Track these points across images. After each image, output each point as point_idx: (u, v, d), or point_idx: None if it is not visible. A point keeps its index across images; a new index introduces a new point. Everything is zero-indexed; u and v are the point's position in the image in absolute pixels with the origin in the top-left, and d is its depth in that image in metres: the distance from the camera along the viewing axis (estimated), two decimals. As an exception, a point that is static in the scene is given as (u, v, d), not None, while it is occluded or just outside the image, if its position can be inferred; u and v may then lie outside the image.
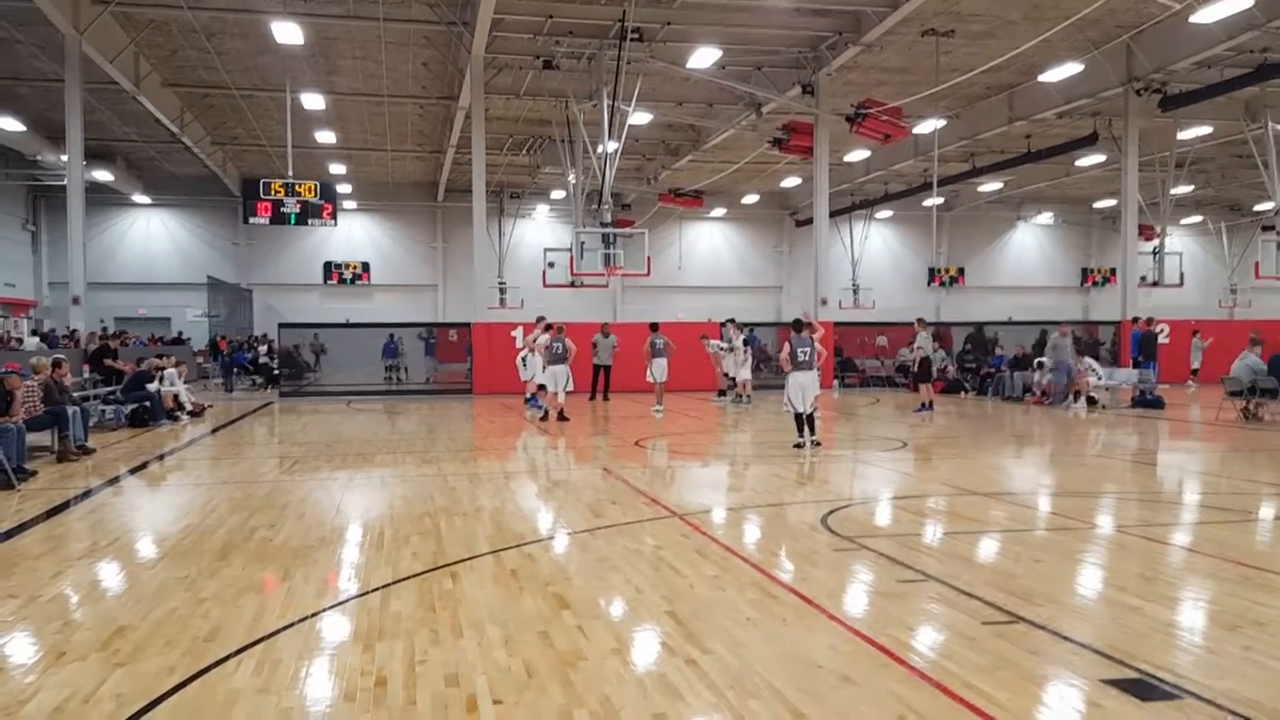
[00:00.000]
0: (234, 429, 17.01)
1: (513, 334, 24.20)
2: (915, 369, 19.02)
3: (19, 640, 5.05)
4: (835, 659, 4.58)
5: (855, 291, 42.46)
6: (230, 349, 30.01)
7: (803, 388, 12.67)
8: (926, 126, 27.61)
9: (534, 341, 19.18)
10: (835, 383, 26.22)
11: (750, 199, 43.56)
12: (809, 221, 34.05)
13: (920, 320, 19.02)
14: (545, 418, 17.16)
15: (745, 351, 20.62)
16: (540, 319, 19.84)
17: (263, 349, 31.70)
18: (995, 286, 45.88)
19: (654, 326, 19.85)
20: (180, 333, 38.00)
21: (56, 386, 12.66)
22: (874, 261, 44.80)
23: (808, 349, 12.80)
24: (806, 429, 12.74)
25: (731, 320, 21.67)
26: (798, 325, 13.38)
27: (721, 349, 21.13)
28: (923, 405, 18.30)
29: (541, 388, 19.75)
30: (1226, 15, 18.65)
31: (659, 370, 19.36)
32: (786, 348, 12.88)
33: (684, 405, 20.39)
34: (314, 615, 5.40)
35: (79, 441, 12.94)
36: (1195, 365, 25.79)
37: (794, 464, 11.62)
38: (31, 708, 4.07)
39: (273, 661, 4.62)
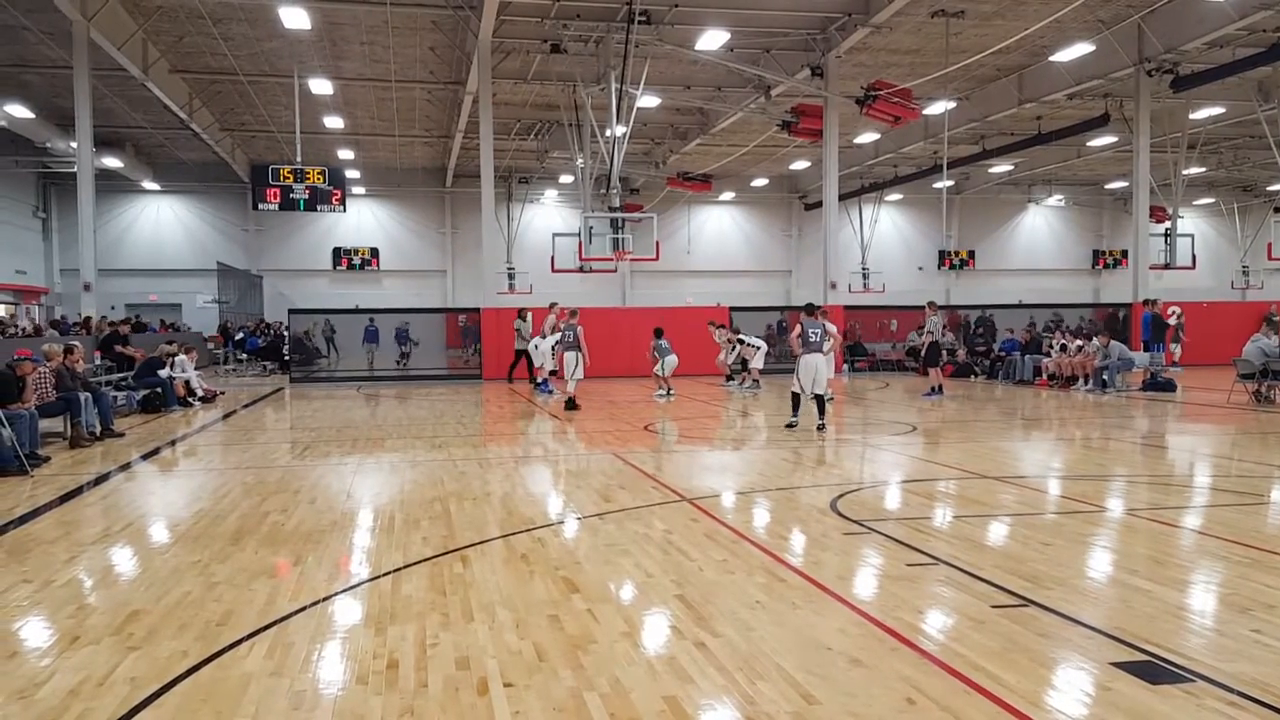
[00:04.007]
0: (245, 415, 17.08)
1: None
2: (924, 353, 18.95)
3: (34, 624, 5.10)
4: (844, 642, 4.59)
5: (865, 275, 42.34)
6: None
7: (814, 369, 12.91)
8: (936, 108, 27.47)
9: (548, 327, 19.27)
10: (845, 367, 26.17)
11: (759, 182, 43.42)
12: (818, 205, 34.00)
13: (931, 304, 18.94)
14: (569, 406, 16.97)
15: (753, 343, 20.61)
16: (553, 305, 19.90)
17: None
18: (1006, 269, 45.72)
19: (658, 333, 19.50)
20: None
21: (69, 372, 12.71)
22: (884, 245, 44.66)
23: (817, 330, 13.04)
24: (815, 412, 12.94)
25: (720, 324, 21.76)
26: (810, 309, 13.62)
27: (728, 338, 21.02)
28: (932, 389, 18.26)
29: (553, 373, 19.77)
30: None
31: (669, 367, 18.96)
32: (797, 329, 13.11)
33: (692, 390, 20.40)
34: (326, 599, 5.43)
35: (105, 426, 13.06)
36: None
37: (803, 448, 11.62)
38: (47, 690, 4.11)
39: (285, 645, 4.65)
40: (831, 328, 16.19)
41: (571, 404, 16.60)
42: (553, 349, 19.45)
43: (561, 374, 17.30)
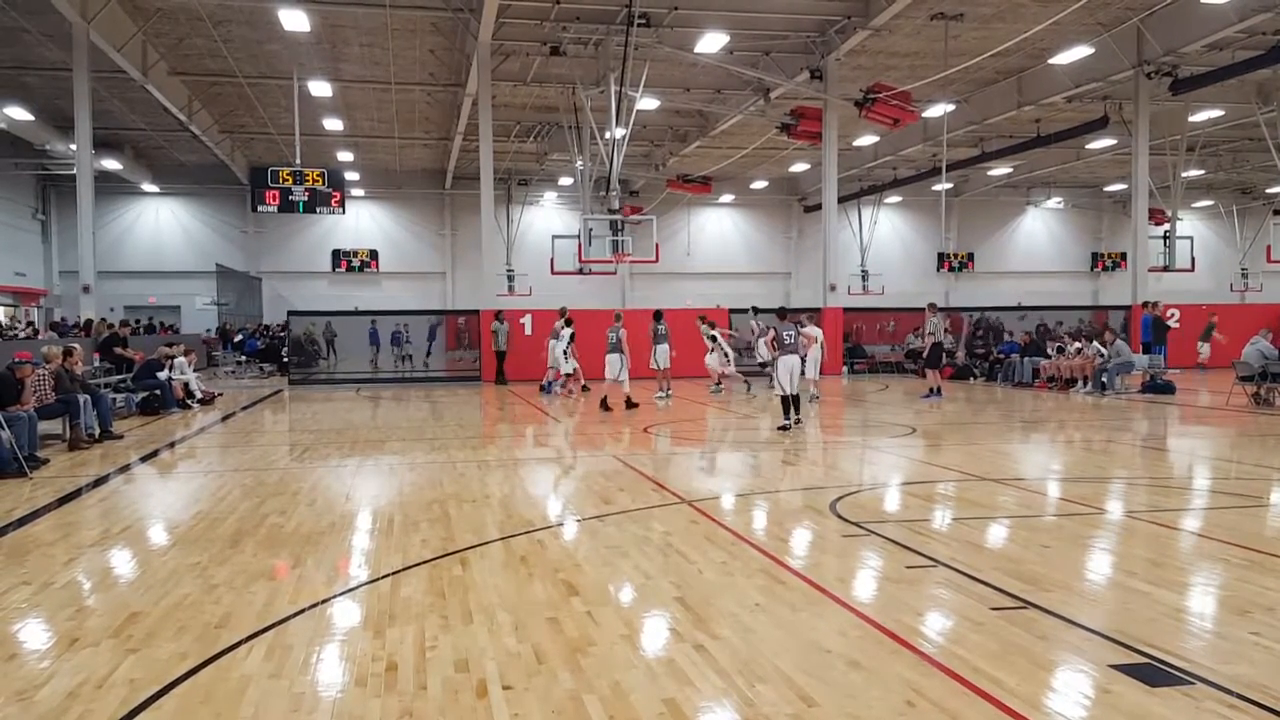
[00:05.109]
0: (244, 417, 17.08)
1: (521, 321, 24.25)
2: (926, 354, 18.95)
3: (33, 626, 5.09)
4: (844, 644, 4.59)
5: (864, 277, 42.35)
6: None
7: (791, 370, 13.42)
8: (935, 111, 27.49)
9: (559, 330, 19.32)
10: (844, 369, 26.20)
11: (759, 185, 43.44)
12: (818, 207, 34.01)
13: (932, 305, 18.97)
14: (613, 407, 16.72)
15: (726, 349, 20.42)
16: (563, 310, 19.97)
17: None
18: (1005, 271, 45.70)
19: (657, 315, 19.63)
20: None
21: (68, 375, 12.71)
22: (883, 247, 44.66)
23: (792, 333, 13.61)
24: (792, 410, 13.38)
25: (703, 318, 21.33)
26: (782, 312, 14.43)
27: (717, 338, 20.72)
28: (930, 391, 18.27)
29: (569, 375, 19.77)
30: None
31: (662, 357, 19.17)
32: (772, 333, 13.74)
33: (692, 392, 20.39)
34: (325, 601, 5.43)
35: (104, 428, 13.06)
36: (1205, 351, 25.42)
37: (802, 450, 11.64)
38: (46, 692, 4.11)
39: (284, 647, 4.65)
40: (812, 331, 16.50)
41: (621, 403, 16.80)
42: (564, 352, 19.47)
43: (577, 377, 17.55)
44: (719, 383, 20.61)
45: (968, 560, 6.10)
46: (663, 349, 19.05)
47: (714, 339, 20.33)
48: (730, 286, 41.46)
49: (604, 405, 16.64)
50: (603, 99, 23.40)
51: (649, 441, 12.94)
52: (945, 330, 20.13)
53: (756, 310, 22.84)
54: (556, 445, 13.19)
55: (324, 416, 16.76)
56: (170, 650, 4.61)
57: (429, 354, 30.56)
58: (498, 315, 23.74)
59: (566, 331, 19.44)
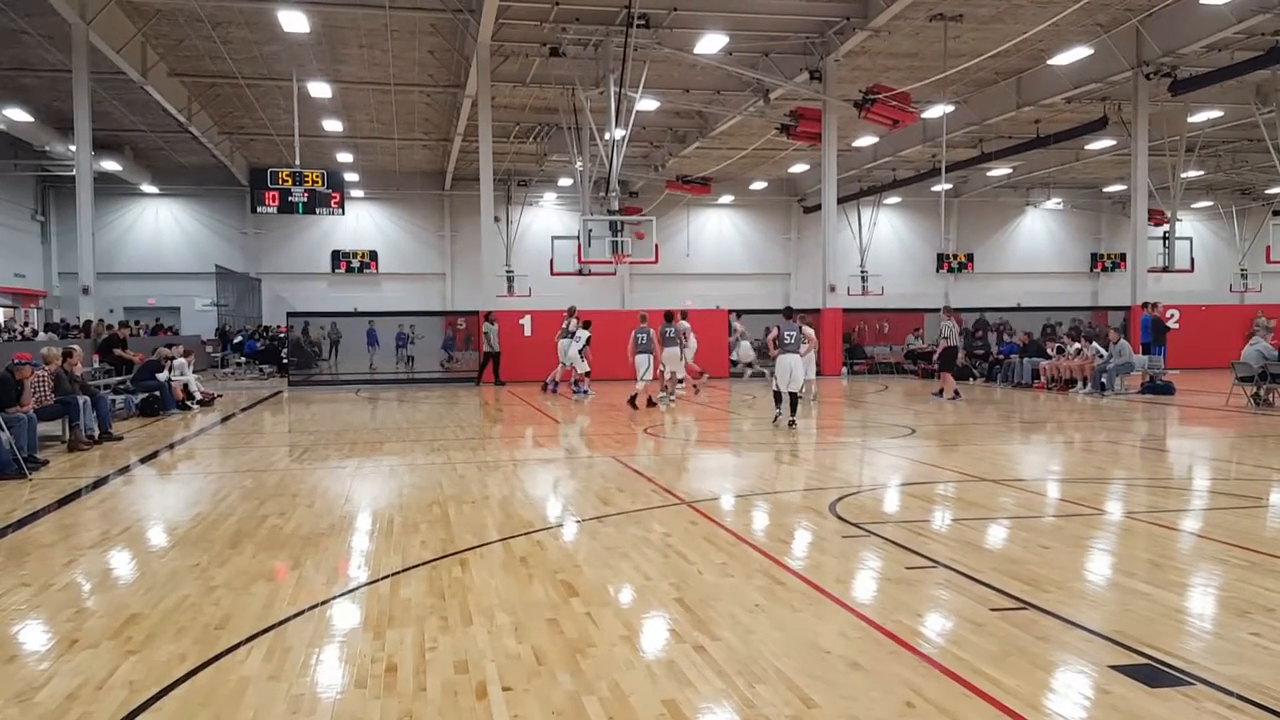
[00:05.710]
0: (243, 418, 17.07)
1: (520, 322, 24.25)
2: (939, 357, 18.97)
3: (32, 628, 5.09)
4: (844, 645, 4.59)
5: (864, 278, 42.32)
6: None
7: (790, 368, 13.67)
8: (935, 112, 27.47)
9: (573, 329, 19.35)
10: (844, 369, 26.20)
11: (758, 185, 43.45)
12: (817, 208, 34.00)
13: (946, 308, 19.02)
14: (631, 403, 17.12)
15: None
16: (571, 309, 20.00)
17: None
18: (1004, 272, 45.67)
19: (668, 316, 19.42)
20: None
21: (67, 376, 12.70)
22: (883, 248, 44.61)
23: (793, 333, 13.81)
24: (786, 407, 13.73)
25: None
26: (789, 311, 14.61)
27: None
28: (940, 392, 18.34)
29: (585, 375, 19.76)
30: (1237, -3, 18.54)
31: (671, 360, 19.02)
32: (774, 332, 14.04)
33: (691, 393, 20.37)
34: (324, 603, 5.42)
35: (103, 429, 13.05)
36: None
37: (801, 451, 11.63)
38: (45, 694, 4.11)
39: (283, 649, 4.64)
40: (809, 331, 16.56)
41: (632, 402, 17.06)
42: (580, 353, 19.46)
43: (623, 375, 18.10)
44: (694, 384, 20.44)
45: (967, 561, 6.10)
46: (672, 352, 18.89)
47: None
48: (730, 287, 41.48)
49: (650, 403, 17.14)
50: (602, 100, 23.40)
51: (649, 442, 12.94)
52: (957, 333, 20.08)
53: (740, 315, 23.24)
54: (556, 446, 13.19)
55: (323, 418, 16.75)
56: (170, 652, 4.61)
57: (450, 359, 30.59)
58: (488, 316, 23.77)
59: (584, 334, 19.48)
